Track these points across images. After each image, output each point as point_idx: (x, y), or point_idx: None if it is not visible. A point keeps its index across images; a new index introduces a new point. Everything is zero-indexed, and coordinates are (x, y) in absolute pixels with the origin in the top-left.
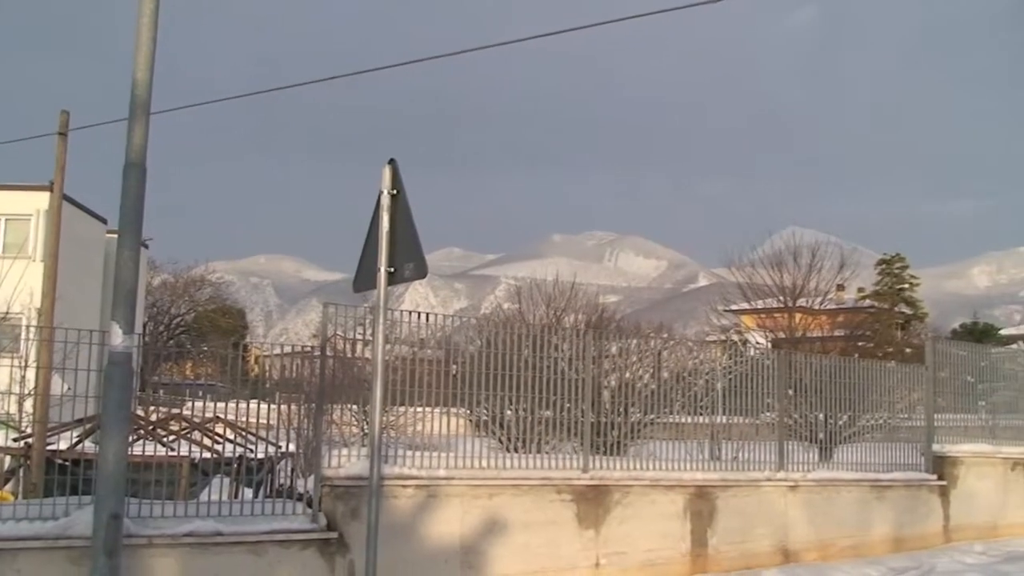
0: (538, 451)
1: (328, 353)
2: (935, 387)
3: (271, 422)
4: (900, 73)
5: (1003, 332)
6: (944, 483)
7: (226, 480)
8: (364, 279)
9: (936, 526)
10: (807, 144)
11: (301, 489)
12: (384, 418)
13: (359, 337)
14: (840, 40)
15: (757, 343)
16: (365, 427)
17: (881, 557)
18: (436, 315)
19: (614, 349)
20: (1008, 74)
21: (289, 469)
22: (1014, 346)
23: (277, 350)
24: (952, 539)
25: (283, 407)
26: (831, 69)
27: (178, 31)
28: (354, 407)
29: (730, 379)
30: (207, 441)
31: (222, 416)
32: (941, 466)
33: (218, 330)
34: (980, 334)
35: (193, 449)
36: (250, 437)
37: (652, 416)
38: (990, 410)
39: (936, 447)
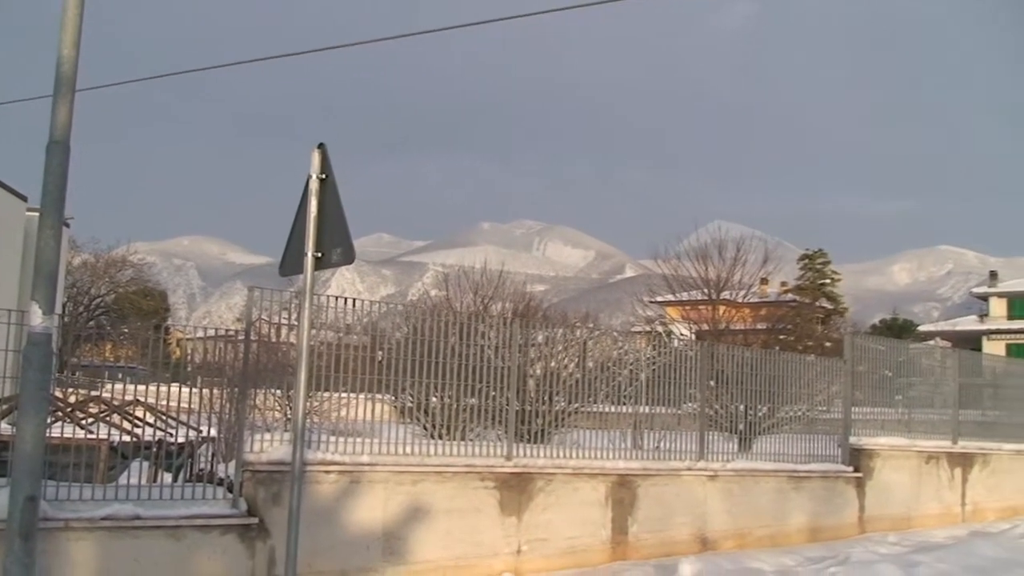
0: (463, 438)
1: (252, 337)
2: (853, 381)
3: (192, 406)
4: (827, 73)
5: (921, 328)
6: (860, 475)
7: (145, 464)
8: (291, 263)
9: (852, 517)
10: (735, 140)
11: (222, 474)
12: (308, 403)
13: (284, 322)
14: (771, 38)
15: (681, 334)
16: (289, 412)
17: (797, 547)
18: (363, 301)
19: (540, 338)
20: (934, 78)
21: (210, 454)
22: (931, 342)
23: (200, 333)
24: (867, 530)
25: (205, 391)
26: (763, 65)
27: (105, 5)
28: (278, 392)
29: (654, 370)
30: (127, 424)
31: (142, 399)
32: (858, 458)
33: (139, 312)
34: (899, 330)
35: (112, 432)
36: (171, 421)
37: (576, 405)
38: (907, 404)
39: (853, 439)
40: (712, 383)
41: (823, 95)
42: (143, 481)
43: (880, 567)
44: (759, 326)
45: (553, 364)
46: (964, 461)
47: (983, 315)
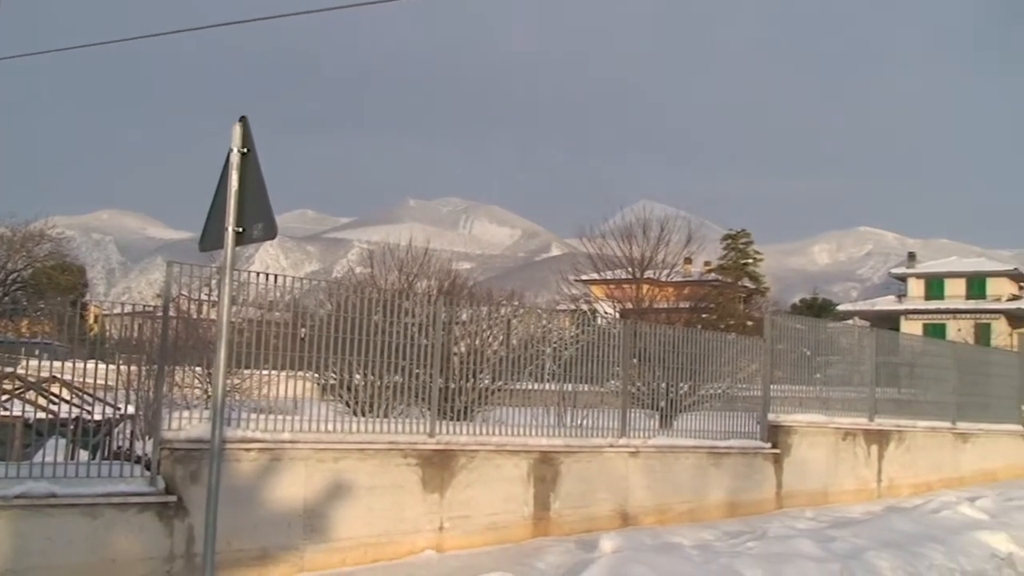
0: (386, 416)
1: (172, 313)
2: (773, 359)
3: (111, 383)
4: (754, 55)
5: (840, 308)
6: (778, 451)
7: (62, 441)
8: (211, 238)
9: (770, 492)
10: (663, 121)
11: (141, 452)
12: (229, 381)
13: (205, 298)
14: (695, 16)
15: (605, 313)
16: (209, 390)
17: (717, 521)
18: (286, 277)
19: (465, 316)
20: (853, 63)
21: (128, 431)
22: (850, 321)
23: (118, 309)
24: (785, 505)
25: (123, 368)
26: (688, 45)
27: None
28: (198, 369)
29: (578, 348)
30: (43, 401)
31: (59, 376)
32: (776, 435)
33: (57, 287)
34: (819, 309)
35: (27, 409)
36: (88, 398)
37: (501, 383)
38: (825, 382)
39: (772, 416)
40: (635, 361)
41: (749, 77)
42: (59, 459)
43: (797, 542)
44: (682, 305)
45: (478, 342)
46: (880, 438)
47: (901, 295)
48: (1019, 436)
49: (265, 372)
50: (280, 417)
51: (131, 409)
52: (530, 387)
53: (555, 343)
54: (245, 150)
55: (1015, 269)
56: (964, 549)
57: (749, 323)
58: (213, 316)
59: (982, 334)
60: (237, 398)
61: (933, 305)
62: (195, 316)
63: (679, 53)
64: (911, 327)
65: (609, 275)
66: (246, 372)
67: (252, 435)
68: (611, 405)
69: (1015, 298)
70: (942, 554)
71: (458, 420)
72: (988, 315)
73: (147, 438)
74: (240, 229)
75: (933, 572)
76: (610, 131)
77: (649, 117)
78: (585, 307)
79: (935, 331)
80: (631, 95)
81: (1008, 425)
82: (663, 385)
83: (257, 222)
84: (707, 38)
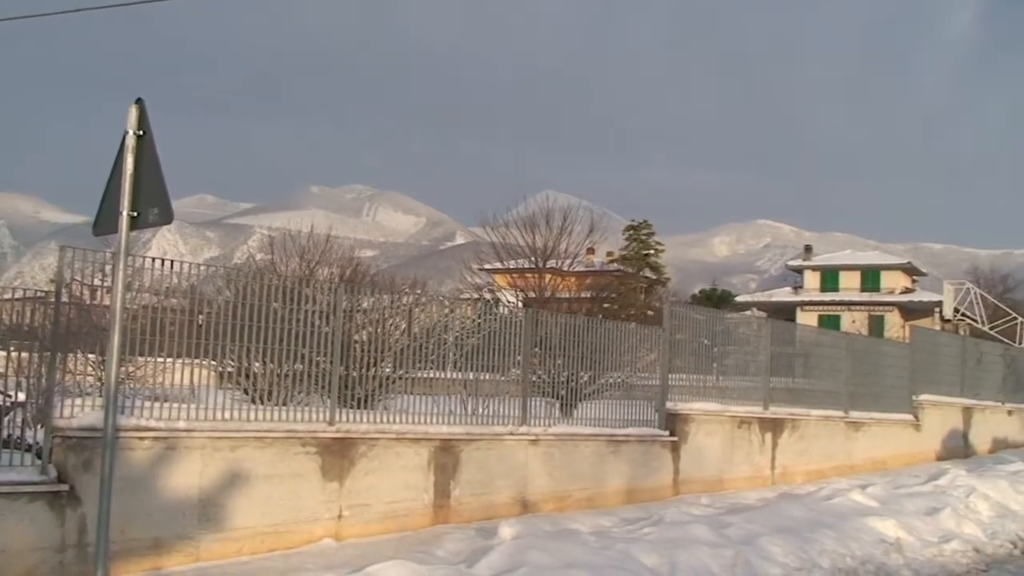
0: (286, 404)
1: (65, 299)
2: (673, 349)
3: (0, 370)
4: (658, 50)
5: (739, 299)
6: (675, 439)
7: None
8: (105, 222)
9: (667, 479)
10: (568, 111)
11: (32, 440)
12: (123, 368)
13: (99, 283)
14: (610, 12)
15: (508, 302)
16: (103, 377)
17: (615, 508)
18: (183, 263)
19: (366, 304)
20: (757, 59)
21: (19, 419)
22: (748, 312)
23: (9, 294)
24: (681, 492)
25: (13, 354)
26: (599, 40)
27: None
28: (92, 356)
29: (480, 336)
30: None
31: None
32: (674, 423)
33: None
34: (718, 300)
35: None
36: None
37: (402, 371)
38: (723, 372)
39: (670, 405)
40: (537, 350)
41: (653, 71)
42: None
43: (693, 527)
44: (584, 294)
45: (379, 330)
46: (774, 426)
47: (798, 287)
48: (909, 426)
49: (161, 359)
50: (176, 405)
51: (22, 396)
52: (432, 376)
53: (458, 332)
54: (141, 132)
55: (908, 263)
56: (854, 535)
57: (650, 313)
58: (107, 302)
59: (876, 326)
60: (132, 386)
61: (828, 297)
62: (89, 302)
63: (590, 46)
64: (807, 318)
65: (512, 264)
66: (141, 359)
67: (147, 423)
68: (513, 394)
69: (908, 291)
70: (833, 540)
71: (359, 408)
72: (882, 307)
73: (38, 426)
74: (135, 213)
75: (824, 557)
76: (519, 122)
77: (558, 108)
78: (488, 296)
79: (830, 322)
80: (541, 86)
81: (899, 415)
82: (564, 374)
83: (153, 206)
84: (617, 32)
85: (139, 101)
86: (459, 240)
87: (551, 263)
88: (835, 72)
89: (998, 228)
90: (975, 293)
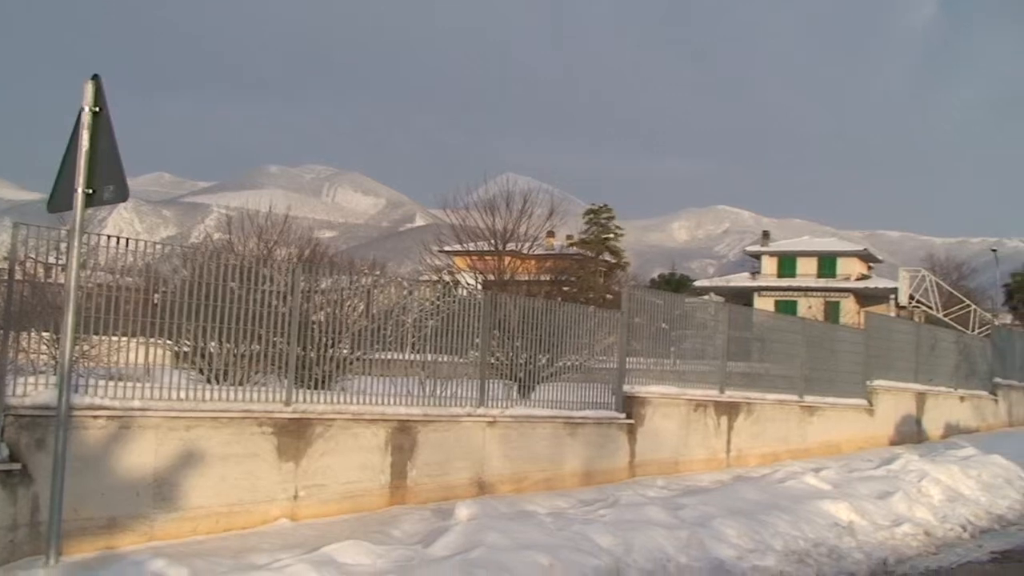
0: (242, 384)
1: (18, 277)
2: (631, 332)
3: None
4: (624, 36)
5: (697, 284)
6: (632, 422)
7: None
8: (60, 200)
9: (623, 461)
10: (531, 95)
11: None
12: (78, 347)
13: (54, 261)
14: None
15: (468, 284)
16: (57, 355)
17: (572, 490)
18: (140, 241)
19: (324, 284)
20: (719, 46)
21: None
22: (706, 297)
23: None
24: (637, 474)
25: None
26: (566, 24)
27: None
28: (46, 334)
29: (440, 318)
30: None
31: None
32: (631, 406)
33: None
34: (677, 285)
35: None
36: None
37: (360, 352)
38: (680, 355)
39: (627, 388)
40: (496, 332)
41: (616, 57)
42: None
43: (648, 509)
44: (544, 277)
45: (338, 311)
46: (730, 410)
47: (755, 273)
48: (863, 410)
49: (116, 339)
50: (131, 384)
51: None
52: (391, 357)
53: (417, 314)
54: (97, 109)
55: (864, 250)
56: (807, 518)
57: (609, 297)
58: (62, 280)
59: (831, 312)
60: (86, 365)
61: (785, 282)
62: (43, 280)
63: (556, 30)
64: (764, 303)
65: (472, 247)
66: (96, 338)
67: (101, 402)
68: (471, 376)
69: (863, 277)
70: (786, 522)
71: (317, 389)
72: (838, 293)
73: None
74: (91, 191)
75: (777, 539)
76: (481, 104)
77: (521, 92)
78: (448, 278)
79: (787, 308)
80: (504, 69)
81: (853, 399)
82: (523, 356)
83: (108, 184)
84: (585, 16)
85: (95, 77)
86: (419, 222)
87: (511, 246)
88: (796, 61)
89: (954, 217)
90: (930, 280)
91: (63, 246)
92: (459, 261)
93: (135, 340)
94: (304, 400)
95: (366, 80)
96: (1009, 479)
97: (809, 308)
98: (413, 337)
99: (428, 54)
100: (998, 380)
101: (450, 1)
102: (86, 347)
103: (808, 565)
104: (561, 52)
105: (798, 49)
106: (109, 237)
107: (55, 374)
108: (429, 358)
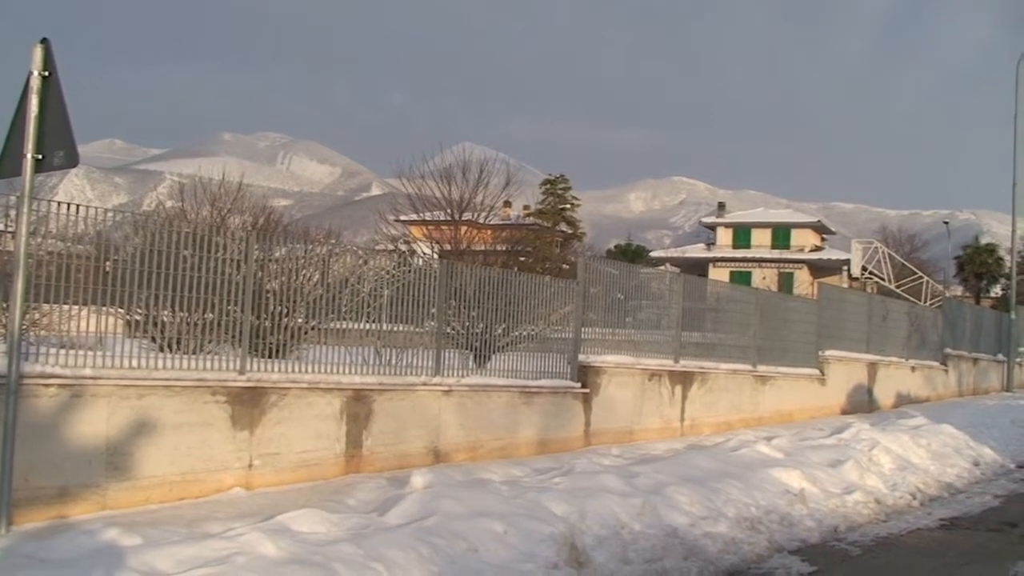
0: (196, 353)
1: None
2: (586, 302)
3: None
4: (581, 3)
5: (653, 254)
6: (587, 391)
7: None
8: (9, 165)
9: (578, 430)
10: (489, 63)
11: None
12: (29, 315)
13: (2, 228)
14: None
15: (424, 254)
16: (7, 323)
17: (527, 458)
18: (91, 208)
19: (279, 253)
20: (676, 17)
21: None
22: (662, 267)
23: None
24: (592, 443)
25: None
26: None
27: None
28: None
29: (396, 288)
30: None
31: None
32: (586, 375)
33: None
34: (632, 255)
35: None
36: None
37: (315, 322)
38: (636, 325)
39: (582, 357)
40: (452, 301)
41: (576, 26)
42: None
43: (602, 477)
44: (500, 247)
45: (293, 280)
46: (684, 379)
47: (710, 244)
48: (815, 380)
49: (67, 307)
50: (82, 353)
51: None
52: (347, 327)
53: (372, 283)
54: (47, 73)
55: (818, 221)
56: (759, 485)
57: (565, 267)
58: (11, 248)
59: (785, 282)
60: (37, 333)
61: (740, 254)
62: None
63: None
64: (719, 274)
65: (428, 216)
66: (47, 307)
67: (52, 370)
68: (427, 345)
69: (817, 249)
70: (739, 490)
71: (271, 358)
72: (792, 265)
73: None
74: (40, 156)
75: (729, 507)
76: (438, 73)
77: (478, 61)
78: (404, 247)
79: (741, 278)
80: (461, 38)
81: (805, 369)
82: (479, 326)
83: (58, 149)
84: None
85: (44, 41)
86: (375, 191)
87: (467, 215)
88: (753, 33)
89: (907, 190)
90: (883, 252)
91: (12, 213)
92: (415, 231)
93: (87, 308)
94: (258, 369)
95: (322, 49)
96: (958, 448)
97: (763, 279)
98: (369, 307)
99: (385, 23)
100: (948, 351)
101: None
102: (37, 315)
103: (760, 532)
104: (518, 21)
105: (758, 20)
106: (60, 204)
107: (4, 342)
108: (385, 327)
